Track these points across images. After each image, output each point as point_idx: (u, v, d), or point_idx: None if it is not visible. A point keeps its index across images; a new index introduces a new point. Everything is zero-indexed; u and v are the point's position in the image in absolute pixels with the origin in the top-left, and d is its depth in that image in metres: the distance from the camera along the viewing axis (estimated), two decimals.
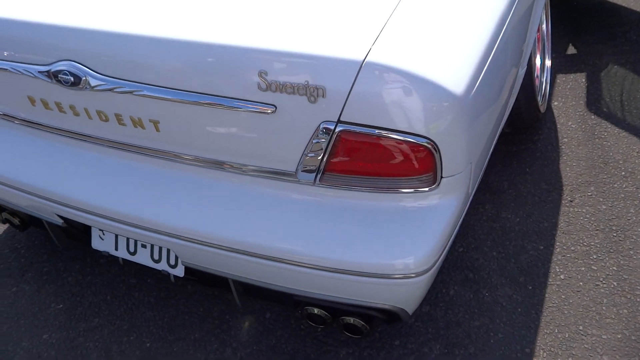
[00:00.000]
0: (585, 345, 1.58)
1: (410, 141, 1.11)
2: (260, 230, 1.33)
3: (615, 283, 1.72)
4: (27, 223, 1.94)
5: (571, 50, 2.75)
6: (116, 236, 1.64)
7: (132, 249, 1.65)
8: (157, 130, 1.32)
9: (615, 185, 2.02)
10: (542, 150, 2.21)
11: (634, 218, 1.90)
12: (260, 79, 1.12)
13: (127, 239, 1.63)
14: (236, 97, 1.16)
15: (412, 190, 1.21)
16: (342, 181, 1.23)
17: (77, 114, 1.40)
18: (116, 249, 1.67)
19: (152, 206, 1.42)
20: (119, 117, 1.34)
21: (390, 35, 1.10)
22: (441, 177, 1.20)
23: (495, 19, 1.27)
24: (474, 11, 1.25)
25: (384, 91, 1.07)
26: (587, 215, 1.93)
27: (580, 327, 1.62)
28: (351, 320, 1.47)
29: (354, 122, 1.11)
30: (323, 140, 1.16)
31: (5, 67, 1.39)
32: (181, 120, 1.27)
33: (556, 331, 1.62)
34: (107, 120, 1.37)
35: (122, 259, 1.69)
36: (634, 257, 1.78)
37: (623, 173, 2.06)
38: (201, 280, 1.66)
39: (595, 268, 1.77)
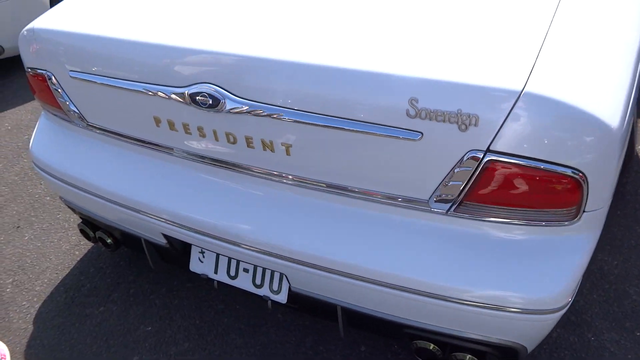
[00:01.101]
0: None
1: (560, 172, 1.10)
2: (382, 256, 1.32)
3: None
4: (119, 243, 1.97)
5: None
6: (217, 258, 1.65)
7: (232, 273, 1.65)
8: (288, 154, 1.34)
9: None
10: (632, 193, 2.17)
11: None
12: (409, 106, 1.13)
13: (229, 262, 1.64)
14: (380, 123, 1.18)
15: (550, 223, 1.20)
16: (478, 211, 1.22)
17: (203, 136, 1.43)
18: (215, 272, 1.67)
19: (269, 228, 1.43)
20: (248, 140, 1.37)
21: (544, 66, 1.11)
22: (583, 211, 1.18)
23: (633, 53, 1.28)
24: (615, 44, 1.26)
25: (540, 121, 1.07)
26: None
27: None
28: (465, 356, 1.44)
29: (504, 152, 1.11)
30: (467, 168, 1.16)
31: (138, 89, 1.44)
32: (316, 145, 1.28)
33: None
34: (234, 142, 1.39)
35: (218, 282, 1.69)
36: None
37: None
38: (303, 308, 1.64)
39: None
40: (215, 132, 1.41)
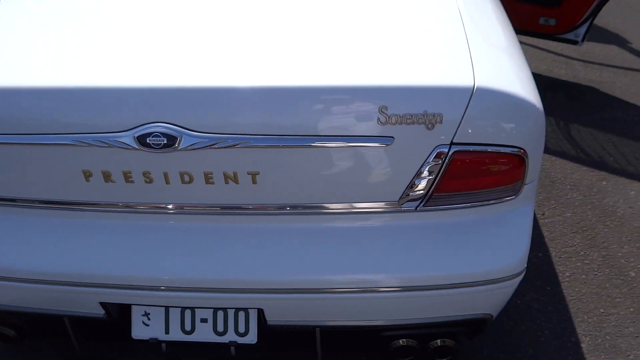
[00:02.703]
0: (613, 323, 1.83)
1: (510, 153, 1.28)
2: (359, 263, 1.36)
3: (607, 270, 2.03)
4: (25, 332, 1.66)
5: None
6: (167, 314, 1.50)
7: (188, 327, 1.52)
8: (254, 182, 1.30)
9: (567, 196, 2.42)
10: None
11: (594, 219, 2.28)
12: (380, 114, 1.21)
13: (182, 315, 1.50)
14: (353, 135, 1.23)
15: (503, 199, 1.37)
16: (445, 202, 1.34)
17: (150, 181, 1.31)
18: (167, 331, 1.52)
19: (244, 264, 1.37)
20: (207, 176, 1.30)
21: (478, 62, 1.27)
22: (524, 184, 1.38)
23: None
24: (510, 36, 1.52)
25: (491, 111, 1.24)
26: (560, 223, 2.26)
27: (602, 310, 1.88)
28: (441, 342, 1.53)
29: (465, 142, 1.25)
30: (435, 163, 1.27)
31: (65, 142, 1.26)
32: (286, 168, 1.28)
33: (586, 317, 1.85)
34: (190, 181, 1.31)
35: (166, 343, 1.54)
36: (609, 247, 2.13)
37: (568, 187, 2.48)
38: (275, 343, 1.58)
39: (587, 261, 2.08)
40: (166, 175, 1.30)
